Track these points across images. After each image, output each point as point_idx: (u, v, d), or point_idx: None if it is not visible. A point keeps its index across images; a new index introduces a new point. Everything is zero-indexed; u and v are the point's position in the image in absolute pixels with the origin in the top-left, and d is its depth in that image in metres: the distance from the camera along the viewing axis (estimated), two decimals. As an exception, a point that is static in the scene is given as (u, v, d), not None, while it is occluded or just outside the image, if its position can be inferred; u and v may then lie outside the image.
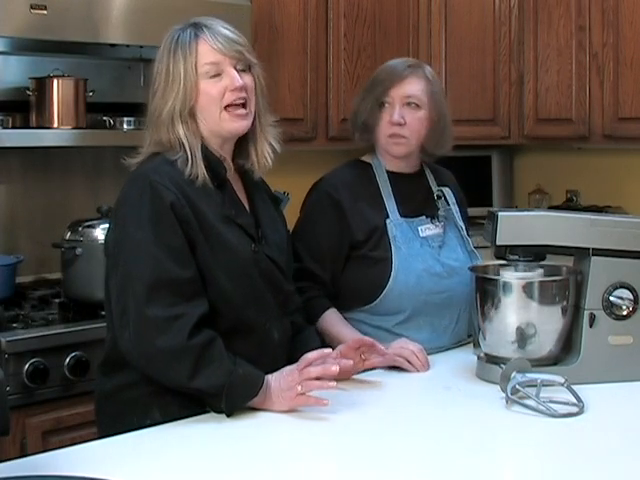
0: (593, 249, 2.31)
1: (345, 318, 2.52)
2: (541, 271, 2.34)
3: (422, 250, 2.56)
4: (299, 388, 2.02)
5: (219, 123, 2.13)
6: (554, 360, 2.32)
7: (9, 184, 3.29)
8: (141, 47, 3.18)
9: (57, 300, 3.08)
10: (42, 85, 3.07)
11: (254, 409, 2.05)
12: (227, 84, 2.10)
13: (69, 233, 3.02)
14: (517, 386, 2.13)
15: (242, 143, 2.21)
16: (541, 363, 2.26)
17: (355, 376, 2.32)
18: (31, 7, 2.80)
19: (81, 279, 2.98)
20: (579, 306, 2.32)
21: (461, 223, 2.67)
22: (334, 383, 2.03)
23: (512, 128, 4.07)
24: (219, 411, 2.02)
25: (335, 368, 2.03)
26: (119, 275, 2.04)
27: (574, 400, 2.11)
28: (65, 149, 3.22)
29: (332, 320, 2.49)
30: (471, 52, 4.05)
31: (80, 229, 3.01)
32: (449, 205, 2.67)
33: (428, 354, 2.43)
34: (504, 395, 2.13)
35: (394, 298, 2.51)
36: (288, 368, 2.07)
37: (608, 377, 2.29)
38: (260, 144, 2.21)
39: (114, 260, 2.07)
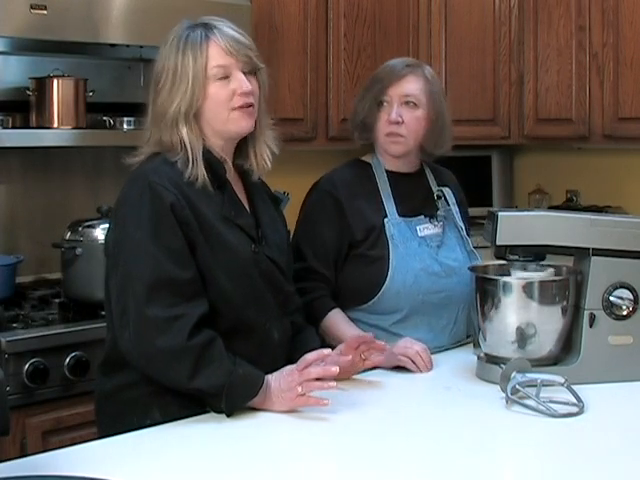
0: (593, 249, 2.31)
1: (345, 317, 2.53)
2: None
3: (420, 249, 2.56)
4: (299, 389, 2.02)
5: (226, 124, 2.12)
6: (554, 360, 2.32)
7: (9, 184, 3.29)
8: (141, 47, 3.18)
9: (57, 300, 3.08)
10: (42, 85, 3.07)
11: (254, 409, 2.05)
12: (235, 87, 2.10)
13: (69, 233, 3.02)
14: (517, 386, 2.13)
15: (241, 145, 2.21)
16: (541, 363, 2.26)
17: (355, 376, 2.32)
18: (31, 7, 2.80)
19: (81, 279, 2.98)
20: (579, 306, 2.32)
21: (461, 223, 2.67)
22: (334, 383, 2.03)
23: (512, 128, 4.08)
24: (219, 411, 2.02)
25: (335, 369, 2.03)
26: (119, 275, 2.04)
27: (574, 400, 2.11)
28: (65, 149, 3.22)
29: (336, 320, 2.49)
30: (471, 52, 4.05)
31: (80, 229, 3.01)
32: (449, 205, 2.67)
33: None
34: (504, 395, 2.13)
35: (391, 297, 2.51)
36: (288, 368, 2.07)
37: (608, 377, 2.29)
38: (259, 146, 2.21)
39: (114, 260, 2.07)
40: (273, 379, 2.06)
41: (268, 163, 2.22)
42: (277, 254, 2.22)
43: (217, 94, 2.10)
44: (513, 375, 2.15)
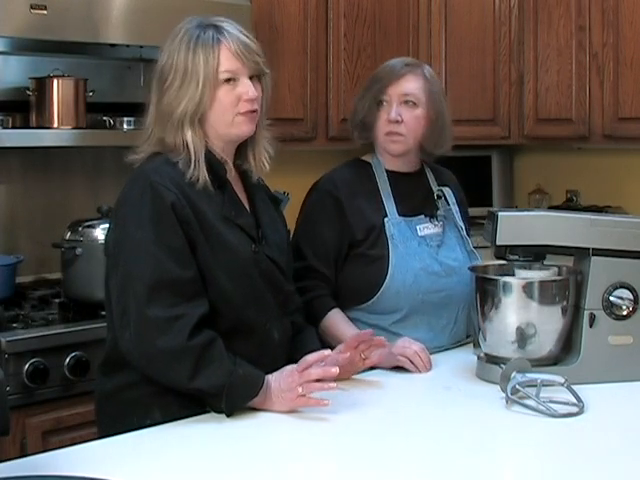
0: (593, 249, 2.31)
1: (344, 317, 2.53)
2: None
3: (420, 249, 2.56)
4: (300, 390, 2.02)
5: (229, 127, 2.13)
6: (554, 360, 2.32)
7: (9, 184, 3.29)
8: (141, 47, 3.19)
9: (57, 300, 3.08)
10: (42, 85, 3.07)
11: (254, 409, 2.05)
12: (241, 93, 2.10)
13: (69, 233, 3.02)
14: (517, 386, 2.13)
15: (241, 146, 2.21)
16: (541, 363, 2.26)
17: (355, 376, 2.32)
18: (31, 7, 2.80)
19: (81, 279, 2.98)
20: (579, 306, 2.32)
21: (461, 223, 2.67)
22: (334, 385, 2.03)
23: (512, 128, 4.08)
24: (219, 411, 2.02)
25: (335, 370, 2.03)
26: (119, 275, 2.04)
27: (574, 400, 2.11)
28: (65, 149, 3.22)
29: (336, 320, 2.50)
30: (471, 52, 4.05)
31: (80, 229, 3.01)
32: (449, 205, 2.67)
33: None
34: (504, 395, 2.13)
35: (391, 296, 2.51)
36: (288, 368, 2.07)
37: (608, 377, 2.29)
38: (258, 148, 2.22)
39: (114, 260, 2.07)
40: (273, 379, 2.06)
41: (266, 165, 2.23)
42: (277, 254, 2.22)
43: (224, 98, 2.10)
44: (513, 375, 2.15)
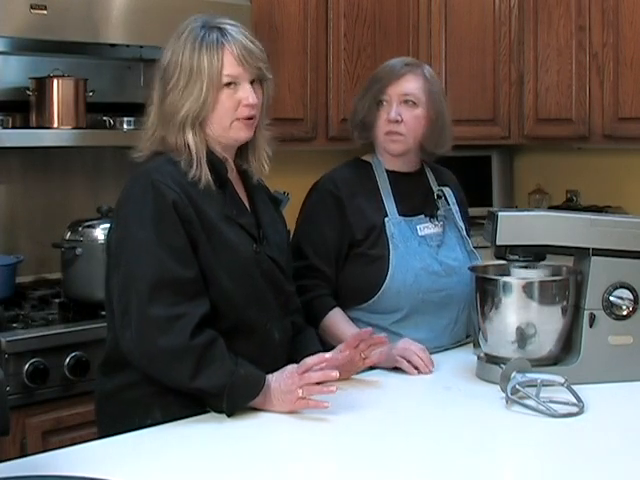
0: (593, 249, 2.31)
1: (345, 316, 2.53)
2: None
3: (420, 249, 2.56)
4: (300, 392, 2.02)
5: (227, 131, 2.13)
6: (554, 360, 2.32)
7: (9, 184, 3.29)
8: (141, 47, 3.18)
9: (57, 300, 3.08)
10: (42, 85, 3.07)
11: (255, 409, 2.05)
12: (242, 98, 2.11)
13: (69, 233, 3.02)
14: (517, 386, 2.13)
15: (242, 147, 2.22)
16: (541, 363, 2.26)
17: (355, 376, 2.32)
18: (31, 7, 2.80)
19: (81, 279, 2.98)
20: (579, 306, 2.32)
21: (461, 223, 2.67)
22: (334, 387, 2.02)
23: (512, 128, 4.08)
24: (220, 411, 2.02)
25: (335, 373, 2.03)
26: (121, 274, 2.04)
27: (574, 400, 2.11)
28: (65, 149, 3.22)
29: (336, 319, 2.50)
30: (471, 52, 4.05)
31: (80, 229, 3.01)
32: (449, 205, 2.67)
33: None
34: (504, 395, 2.13)
35: (391, 296, 2.51)
36: (289, 369, 2.07)
37: (608, 377, 2.29)
38: (258, 150, 2.22)
39: (116, 259, 2.06)
40: (274, 380, 2.06)
41: (266, 166, 2.23)
42: (278, 254, 2.22)
43: (224, 102, 2.10)
44: (513, 375, 2.15)
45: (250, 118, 2.13)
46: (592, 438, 1.97)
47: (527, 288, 2.28)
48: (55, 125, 3.04)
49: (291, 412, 2.05)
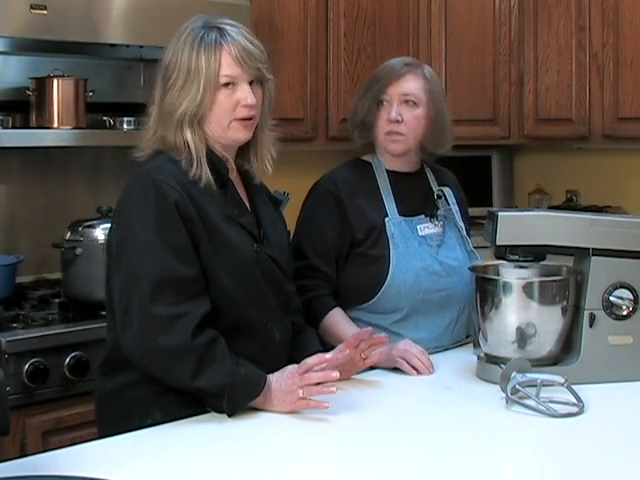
0: (593, 249, 2.31)
1: (345, 316, 2.53)
2: (540, 269, 2.35)
3: (420, 249, 2.56)
4: (300, 392, 2.02)
5: (225, 132, 2.13)
6: (554, 360, 2.32)
7: (9, 184, 3.29)
8: (141, 47, 3.18)
9: (57, 300, 3.08)
10: (42, 85, 3.07)
11: (255, 409, 2.05)
12: (240, 98, 2.11)
13: (69, 233, 3.02)
14: (517, 386, 2.13)
15: (243, 147, 2.22)
16: (541, 363, 2.26)
17: (355, 376, 2.32)
18: (31, 7, 2.80)
19: (81, 279, 2.98)
20: (579, 306, 2.32)
21: (461, 223, 2.67)
22: (335, 388, 2.02)
23: (512, 128, 4.08)
24: (220, 411, 2.02)
25: (335, 374, 2.03)
26: (122, 273, 2.04)
27: (574, 400, 2.11)
28: (65, 149, 3.22)
29: (337, 319, 2.50)
30: (471, 52, 4.05)
31: (80, 229, 3.01)
32: (449, 205, 2.67)
33: (428, 354, 2.43)
34: (504, 395, 2.13)
35: (392, 296, 2.51)
36: (289, 369, 2.07)
37: (608, 377, 2.29)
38: (260, 150, 2.22)
39: (117, 259, 2.06)
40: (274, 380, 2.06)
41: (269, 167, 2.23)
42: (278, 254, 2.22)
43: (222, 102, 2.10)
44: (513, 375, 2.15)
45: (249, 119, 2.13)
46: (592, 438, 1.97)
47: (527, 288, 2.28)
48: (55, 125, 3.04)
49: (291, 412, 2.05)
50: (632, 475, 1.77)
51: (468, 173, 3.62)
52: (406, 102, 2.57)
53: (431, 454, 1.87)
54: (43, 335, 2.74)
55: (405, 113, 2.57)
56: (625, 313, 2.31)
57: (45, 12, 2.83)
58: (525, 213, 2.45)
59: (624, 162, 4.09)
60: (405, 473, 1.77)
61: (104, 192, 3.35)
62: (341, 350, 2.23)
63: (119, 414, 2.11)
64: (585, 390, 2.16)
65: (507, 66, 4.04)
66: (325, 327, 2.48)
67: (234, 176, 2.20)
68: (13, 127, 3.02)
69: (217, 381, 1.99)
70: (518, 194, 4.48)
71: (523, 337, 2.27)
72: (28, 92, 3.07)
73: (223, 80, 2.09)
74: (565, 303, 2.29)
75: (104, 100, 3.25)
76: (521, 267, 2.38)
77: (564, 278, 2.33)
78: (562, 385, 2.15)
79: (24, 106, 3.08)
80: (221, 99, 2.10)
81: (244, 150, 2.22)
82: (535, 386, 2.12)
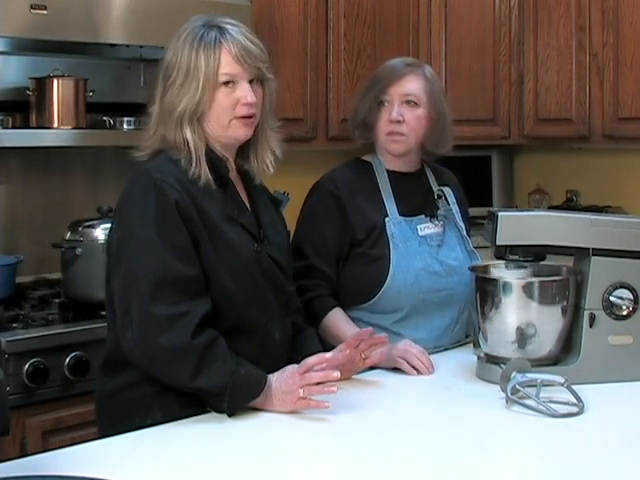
0: (593, 249, 2.31)
1: (345, 316, 2.53)
2: (531, 269, 2.36)
3: (420, 249, 2.56)
4: (300, 392, 2.02)
5: (225, 130, 2.13)
6: (554, 360, 2.32)
7: (9, 184, 3.29)
8: (141, 47, 3.18)
9: (57, 300, 3.08)
10: (42, 85, 3.07)
11: (255, 409, 2.05)
12: (240, 97, 2.11)
13: (69, 233, 3.02)
14: (517, 386, 2.13)
15: (244, 147, 2.22)
16: (541, 363, 2.26)
17: (355, 376, 2.32)
18: (31, 7, 2.80)
19: (81, 279, 2.98)
20: (579, 306, 2.32)
21: (461, 223, 2.68)
22: (335, 388, 2.02)
23: (512, 128, 4.08)
24: (220, 411, 2.02)
25: (336, 374, 2.03)
26: (122, 273, 2.03)
27: (574, 400, 2.11)
28: (65, 149, 3.22)
29: (337, 319, 2.50)
30: (471, 52, 4.05)
31: (80, 229, 3.01)
32: (449, 205, 2.67)
33: (428, 354, 2.43)
34: (504, 395, 2.13)
35: (392, 296, 2.51)
36: (289, 369, 2.07)
37: (608, 377, 2.29)
38: (261, 150, 2.22)
39: (117, 258, 2.06)
40: (274, 380, 2.06)
41: (269, 167, 2.23)
42: (278, 254, 2.22)
43: (222, 101, 2.10)
44: (513, 375, 2.15)
45: (249, 117, 2.13)
46: (592, 438, 1.97)
47: (527, 288, 2.28)
48: (55, 125, 3.04)
49: (292, 412, 2.05)
50: (632, 475, 1.77)
51: (468, 173, 3.62)
52: (407, 102, 2.57)
53: (431, 454, 1.87)
54: (43, 335, 2.74)
55: (406, 113, 2.57)
56: (625, 313, 2.31)
57: (45, 12, 2.83)
58: (525, 213, 2.45)
59: (624, 162, 4.09)
60: (405, 473, 1.77)
61: (104, 192, 3.35)
62: (341, 350, 2.23)
63: (119, 414, 2.11)
64: (585, 390, 2.16)
65: (507, 66, 4.04)
66: (325, 327, 2.48)
67: (234, 176, 2.21)
68: (13, 127, 3.02)
69: (217, 381, 1.99)
70: (518, 194, 4.48)
71: (523, 337, 2.27)
72: (28, 92, 3.07)
73: (223, 78, 2.09)
74: (565, 303, 2.29)
75: (104, 100, 3.26)
76: (521, 267, 2.38)
77: (564, 278, 2.33)
78: (562, 385, 2.15)
79: (24, 106, 3.09)
80: (221, 97, 2.10)
81: (244, 150, 2.22)
82: (535, 386, 2.12)
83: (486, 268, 2.45)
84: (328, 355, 2.09)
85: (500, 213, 2.33)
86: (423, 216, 2.62)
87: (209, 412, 2.05)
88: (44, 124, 3.05)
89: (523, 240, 2.32)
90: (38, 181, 3.34)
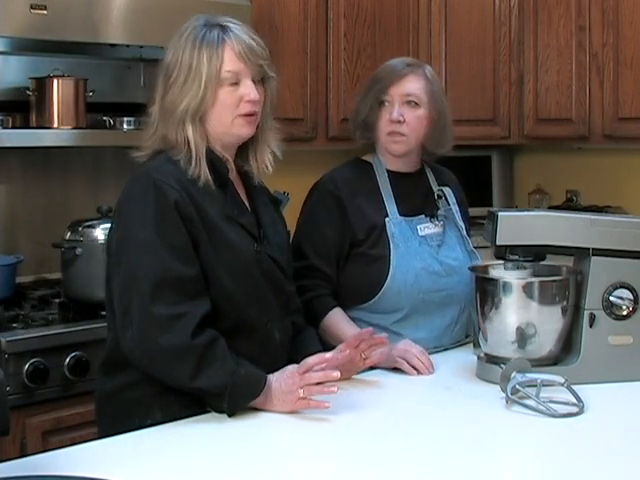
0: (593, 249, 2.31)
1: (345, 316, 2.53)
2: (531, 270, 2.36)
3: (420, 249, 2.56)
4: (300, 392, 2.02)
5: (229, 128, 2.13)
6: (554, 360, 2.32)
7: (9, 184, 3.29)
8: (141, 47, 3.18)
9: (57, 300, 3.08)
10: (42, 85, 3.07)
11: (255, 409, 2.05)
12: (243, 94, 2.11)
13: (69, 233, 3.02)
14: (517, 386, 2.13)
15: (243, 147, 2.22)
16: (541, 363, 2.26)
17: (355, 376, 2.32)
18: (31, 7, 2.80)
19: (81, 279, 2.98)
20: (579, 306, 2.32)
21: (461, 223, 2.68)
22: (335, 388, 2.02)
23: (512, 128, 4.08)
24: (220, 411, 2.02)
25: (336, 374, 2.03)
26: (122, 273, 2.04)
27: (574, 400, 2.11)
28: (65, 149, 3.22)
29: (337, 319, 2.50)
30: (471, 52, 4.05)
31: (80, 229, 3.01)
32: (449, 205, 2.67)
33: (428, 354, 2.43)
34: (504, 395, 2.13)
35: (392, 296, 2.51)
36: (289, 369, 2.07)
37: (608, 377, 2.29)
38: (260, 150, 2.22)
39: (117, 258, 2.06)
40: (274, 380, 2.06)
41: (269, 167, 2.22)
42: (278, 254, 2.22)
43: (225, 98, 2.10)
44: (513, 375, 2.15)
45: (252, 114, 2.13)
46: (592, 438, 1.97)
47: (527, 288, 2.28)
48: (55, 125, 3.04)
49: (291, 412, 2.05)
50: (632, 475, 1.77)
51: (468, 173, 3.62)
52: (408, 102, 2.57)
53: (431, 454, 1.87)
54: (43, 335, 2.74)
55: (407, 113, 2.57)
56: (625, 313, 2.31)
57: (45, 12, 2.83)
58: (525, 213, 2.45)
59: (624, 162, 4.09)
60: (405, 473, 1.77)
61: (104, 192, 3.35)
62: (341, 350, 2.23)
63: (119, 414, 2.11)
64: (585, 390, 2.16)
65: (507, 66, 4.04)
66: (325, 327, 2.48)
67: (234, 176, 2.21)
68: (13, 127, 3.02)
69: (217, 381, 1.99)
70: (518, 194, 4.48)
71: (523, 337, 2.27)
72: (28, 92, 3.07)
73: (226, 76, 2.09)
74: (565, 303, 2.29)
75: (104, 100, 3.26)
76: (521, 267, 2.37)
77: (564, 278, 2.33)
78: (562, 385, 2.15)
79: (24, 106, 3.09)
80: (223, 96, 2.10)
81: (243, 150, 2.22)
82: (535, 386, 2.12)
83: (486, 268, 2.45)
84: (328, 355, 2.09)
85: (500, 213, 2.33)
86: (423, 216, 2.62)
87: (209, 412, 2.05)
88: (44, 124, 3.05)
89: (523, 240, 2.32)
90: (38, 181, 3.34)
